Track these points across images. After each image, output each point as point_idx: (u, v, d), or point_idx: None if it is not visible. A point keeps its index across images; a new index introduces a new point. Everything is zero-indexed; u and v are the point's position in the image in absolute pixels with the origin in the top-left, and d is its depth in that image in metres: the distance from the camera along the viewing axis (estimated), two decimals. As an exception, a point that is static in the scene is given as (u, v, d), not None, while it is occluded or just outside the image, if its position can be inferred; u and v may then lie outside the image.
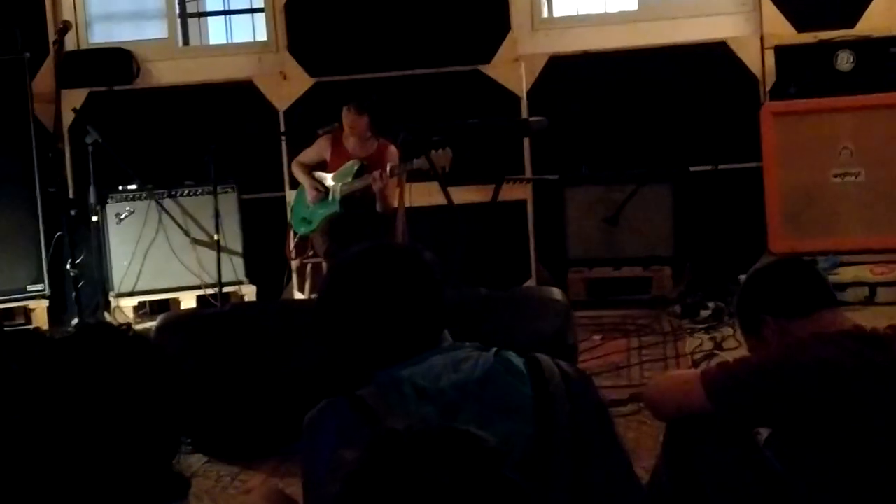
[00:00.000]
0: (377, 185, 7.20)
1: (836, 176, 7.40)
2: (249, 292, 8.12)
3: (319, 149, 7.65)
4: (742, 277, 3.66)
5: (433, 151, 6.93)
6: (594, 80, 8.22)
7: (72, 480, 1.77)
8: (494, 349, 2.32)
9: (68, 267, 7.84)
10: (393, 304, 2.29)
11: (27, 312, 7.90)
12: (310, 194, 7.58)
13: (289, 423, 3.80)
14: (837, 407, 2.85)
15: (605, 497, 2.24)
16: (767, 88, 7.86)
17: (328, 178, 7.52)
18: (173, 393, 1.89)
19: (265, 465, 4.92)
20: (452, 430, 1.45)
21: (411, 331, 2.29)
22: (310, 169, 7.67)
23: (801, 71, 7.57)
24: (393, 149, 7.43)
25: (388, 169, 7.17)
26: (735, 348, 5.93)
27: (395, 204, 7.40)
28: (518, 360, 2.29)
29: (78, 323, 7.56)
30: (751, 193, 7.66)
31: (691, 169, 7.92)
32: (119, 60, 8.63)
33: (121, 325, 1.73)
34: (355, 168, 7.42)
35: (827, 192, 7.41)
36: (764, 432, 3.25)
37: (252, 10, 10.21)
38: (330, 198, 7.51)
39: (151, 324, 5.41)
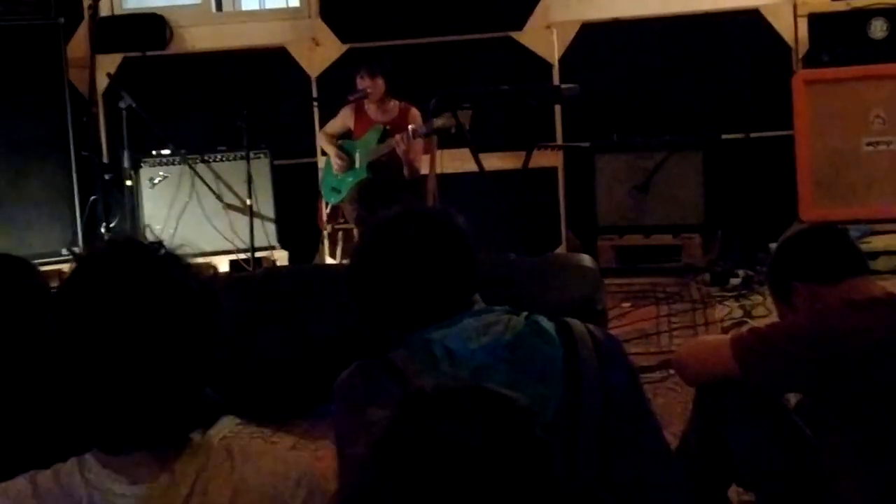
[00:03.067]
0: (400, 148, 7.22)
1: (867, 144, 7.37)
2: (281, 257, 8.16)
3: (343, 118, 7.68)
4: (772, 246, 3.67)
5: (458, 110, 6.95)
6: (626, 48, 8.19)
7: (105, 401, 1.76)
8: (525, 313, 2.33)
9: (102, 230, 7.90)
10: (425, 267, 2.30)
11: (61, 276, 7.96)
12: (335, 164, 7.61)
13: (319, 386, 3.85)
14: (867, 373, 2.86)
15: (634, 460, 2.26)
16: (800, 56, 7.81)
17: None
18: (205, 312, 1.82)
19: (297, 427, 4.97)
20: (483, 390, 1.46)
21: (443, 294, 2.31)
22: (335, 139, 7.70)
23: (834, 39, 7.52)
24: (415, 112, 7.44)
25: (410, 131, 7.18)
26: (765, 316, 5.94)
27: (423, 169, 7.42)
28: (549, 324, 2.30)
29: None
30: (782, 162, 7.63)
31: (723, 137, 7.89)
32: (152, 26, 8.66)
33: (153, 242, 1.68)
34: (378, 133, 7.44)
35: (858, 161, 7.38)
36: (793, 398, 3.27)
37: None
38: (357, 165, 7.54)
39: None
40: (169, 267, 1.81)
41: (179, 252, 1.85)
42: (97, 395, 1.75)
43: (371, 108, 7.52)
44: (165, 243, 1.86)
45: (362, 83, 7.40)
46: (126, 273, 1.78)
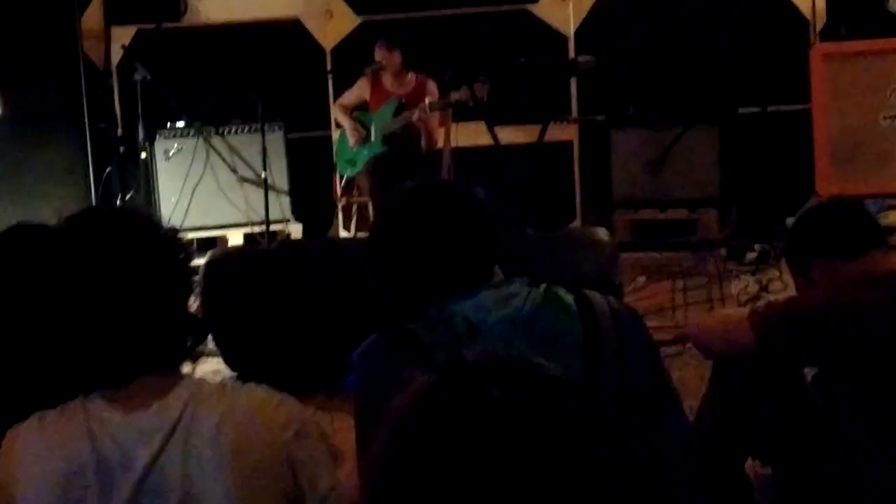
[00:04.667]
0: (417, 120, 7.21)
1: (885, 118, 7.32)
2: (296, 230, 8.17)
3: (360, 89, 7.67)
4: (789, 220, 3.66)
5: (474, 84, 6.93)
6: (642, 21, 8.16)
7: (97, 338, 1.98)
8: (544, 285, 2.33)
9: (117, 203, 7.90)
10: (444, 239, 2.30)
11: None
12: (350, 137, 7.60)
13: (335, 359, 3.84)
14: (885, 347, 2.86)
15: (652, 433, 2.26)
16: (817, 30, 7.78)
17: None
18: (166, 256, 2.05)
19: (313, 400, 4.97)
20: (519, 359, 1.47)
21: (462, 265, 2.30)
22: (351, 111, 7.69)
23: (852, 12, 7.48)
24: (432, 85, 7.42)
25: (426, 104, 7.16)
26: (781, 291, 5.93)
27: (439, 142, 7.41)
28: (568, 297, 2.30)
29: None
30: (799, 136, 7.59)
31: (739, 111, 7.86)
32: (167, -2, 8.65)
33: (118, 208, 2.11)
34: (394, 106, 7.43)
35: (876, 135, 7.33)
36: (809, 372, 3.26)
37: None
38: (372, 138, 7.53)
39: (200, 260, 5.45)
40: (128, 224, 2.06)
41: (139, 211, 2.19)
42: (85, 332, 1.98)
43: (388, 81, 7.51)
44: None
45: (379, 54, 7.38)
46: (94, 233, 2.03)
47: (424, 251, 2.30)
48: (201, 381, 2.04)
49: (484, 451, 1.33)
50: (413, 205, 2.35)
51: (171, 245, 2.08)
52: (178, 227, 2.18)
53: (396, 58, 7.39)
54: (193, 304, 2.18)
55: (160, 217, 2.22)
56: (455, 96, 7.00)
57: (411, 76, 7.50)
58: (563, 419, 1.39)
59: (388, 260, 2.36)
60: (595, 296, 2.32)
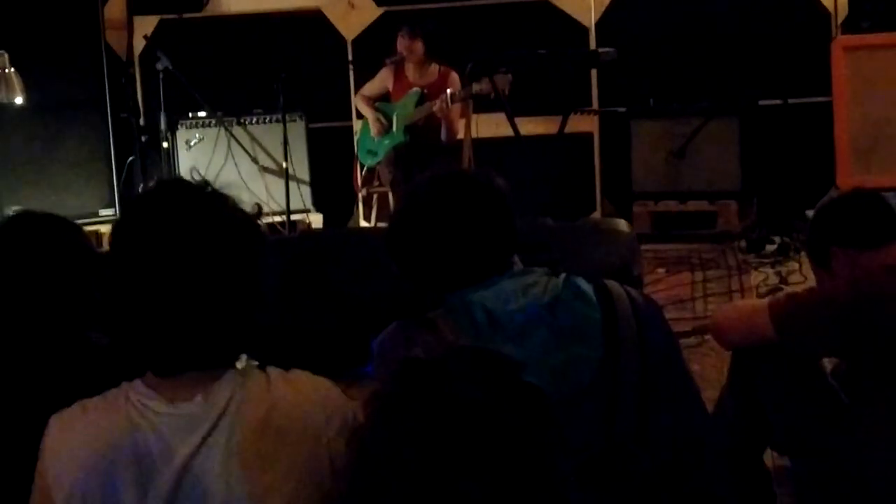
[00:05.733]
0: (438, 111, 7.21)
1: (906, 111, 7.31)
2: (316, 220, 8.19)
3: (382, 79, 7.68)
4: (809, 213, 3.66)
5: (495, 75, 6.93)
6: (663, 12, 8.14)
7: (159, 325, 1.89)
8: (564, 275, 2.33)
9: (139, 192, 7.92)
10: (464, 228, 2.31)
11: (98, 236, 8.01)
12: (373, 128, 7.61)
13: (354, 348, 3.86)
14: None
15: (671, 422, 2.26)
16: (839, 22, 7.75)
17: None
18: (248, 242, 1.96)
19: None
20: (470, 348, 1.47)
21: (482, 255, 2.31)
22: (373, 101, 7.70)
23: (873, 5, 7.45)
24: (454, 76, 7.42)
25: (448, 95, 7.17)
26: (800, 283, 5.93)
27: (460, 133, 7.41)
28: (587, 286, 2.30)
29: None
30: (819, 128, 7.58)
31: (760, 103, 7.84)
32: (189, -13, 8.68)
33: (199, 181, 1.86)
34: (416, 97, 7.43)
35: (897, 128, 7.33)
36: (828, 363, 3.27)
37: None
38: (394, 128, 7.54)
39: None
40: (215, 202, 1.95)
41: (225, 191, 1.98)
42: (152, 319, 1.88)
43: (411, 71, 7.52)
44: (211, 183, 1.99)
45: (401, 44, 7.39)
46: (177, 207, 1.92)
47: (444, 240, 2.31)
48: (246, 372, 1.97)
49: (446, 445, 1.33)
50: (433, 194, 2.35)
51: (253, 233, 1.98)
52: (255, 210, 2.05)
53: (419, 48, 7.40)
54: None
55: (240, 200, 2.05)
56: (476, 88, 6.99)
57: (434, 67, 7.51)
58: (514, 398, 1.38)
59: (407, 248, 2.37)
60: (614, 285, 2.33)
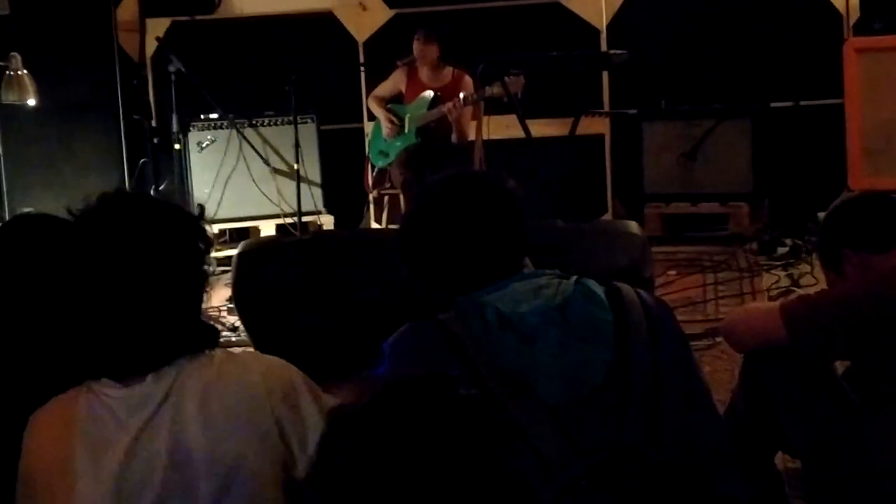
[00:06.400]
0: (451, 115, 7.22)
1: (919, 113, 7.30)
2: (328, 222, 8.19)
3: (395, 81, 7.68)
4: (821, 215, 3.65)
5: (507, 78, 6.92)
6: (675, 14, 8.14)
7: (111, 327, 2.05)
8: (575, 277, 2.33)
9: (151, 194, 7.95)
10: (476, 230, 2.31)
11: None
12: (385, 129, 7.62)
13: (366, 349, 3.86)
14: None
15: (682, 424, 2.26)
16: (851, 24, 7.74)
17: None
18: (189, 252, 2.09)
19: (342, 390, 4.99)
20: (396, 381, 1.43)
21: (493, 257, 2.31)
22: (386, 102, 7.71)
23: (886, 6, 7.44)
24: (468, 79, 7.42)
25: (461, 98, 7.17)
26: (812, 285, 5.91)
27: (471, 135, 7.41)
28: (599, 288, 2.30)
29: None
30: (831, 130, 7.57)
31: (772, 105, 7.83)
32: (201, -10, 8.69)
33: (142, 192, 2.11)
34: (429, 99, 7.44)
35: (909, 130, 7.31)
36: (840, 366, 3.26)
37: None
38: (406, 130, 7.55)
39: (232, 251, 5.49)
40: (154, 211, 2.10)
41: (167, 198, 2.10)
42: (103, 326, 2.05)
43: (424, 73, 7.52)
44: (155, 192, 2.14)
45: (416, 46, 7.40)
46: (113, 221, 2.07)
47: (455, 242, 2.31)
48: (195, 356, 2.09)
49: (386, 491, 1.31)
50: (445, 196, 2.36)
51: (197, 238, 2.11)
52: (206, 216, 2.20)
53: (433, 51, 7.40)
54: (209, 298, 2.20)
55: (188, 206, 2.14)
56: (489, 92, 7.00)
57: (448, 70, 7.51)
58: (452, 416, 1.36)
59: (419, 250, 2.38)
60: (625, 288, 2.33)
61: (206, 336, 2.13)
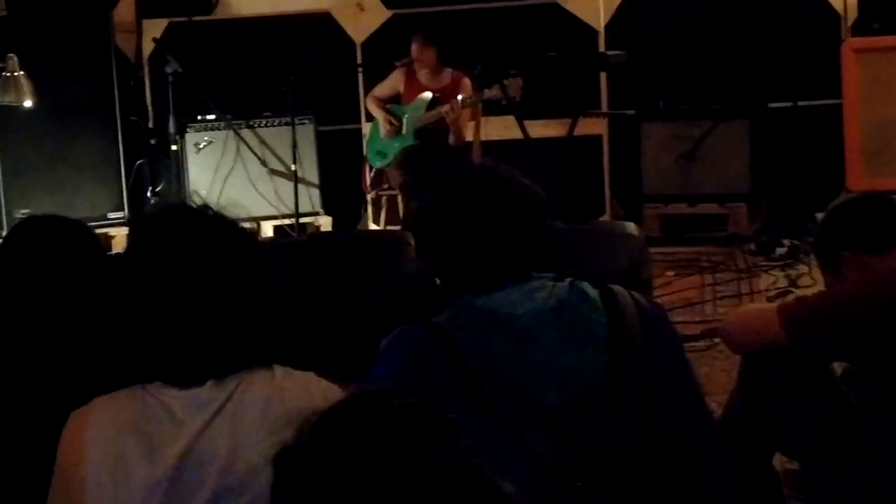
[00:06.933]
0: (449, 117, 7.21)
1: (917, 114, 7.29)
2: (325, 223, 8.19)
3: (394, 81, 7.67)
4: (819, 215, 3.65)
5: (505, 80, 6.91)
6: (673, 15, 8.13)
7: (166, 344, 2.05)
8: (570, 279, 2.32)
9: (148, 195, 7.95)
10: (494, 231, 2.28)
11: (107, 239, 8.02)
12: (383, 129, 7.61)
13: (362, 350, 3.85)
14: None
15: (676, 425, 2.25)
16: (849, 24, 7.73)
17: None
18: (254, 267, 2.12)
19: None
20: (329, 410, 1.42)
21: (506, 260, 2.28)
22: (384, 103, 7.70)
23: (884, 6, 7.44)
24: (466, 81, 7.42)
25: (459, 101, 7.17)
26: (810, 286, 5.90)
27: (468, 137, 7.41)
28: (593, 291, 2.29)
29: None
30: (830, 131, 7.57)
31: (770, 105, 7.83)
32: (198, -9, 8.69)
33: (201, 205, 2.08)
34: (428, 100, 7.43)
35: (908, 131, 7.30)
36: (838, 367, 3.25)
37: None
38: (404, 131, 7.54)
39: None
40: (217, 228, 2.10)
41: (226, 213, 2.13)
42: (165, 336, 2.05)
43: (423, 75, 7.51)
44: (212, 205, 2.15)
45: (414, 49, 7.39)
46: (180, 235, 2.08)
47: (470, 238, 2.29)
48: (254, 369, 2.12)
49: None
50: (466, 191, 2.33)
51: (252, 252, 2.14)
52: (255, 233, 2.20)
53: (431, 54, 7.39)
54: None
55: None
56: (488, 94, 7.00)
57: (447, 72, 7.50)
58: (392, 426, 1.34)
59: (433, 236, 2.36)
60: (620, 290, 2.32)
61: (263, 353, 2.15)
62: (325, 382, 2.17)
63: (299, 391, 2.10)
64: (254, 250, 2.14)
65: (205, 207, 2.13)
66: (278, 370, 2.14)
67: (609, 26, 8.15)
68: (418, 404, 1.37)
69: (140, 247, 2.11)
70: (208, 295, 2.04)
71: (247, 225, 2.18)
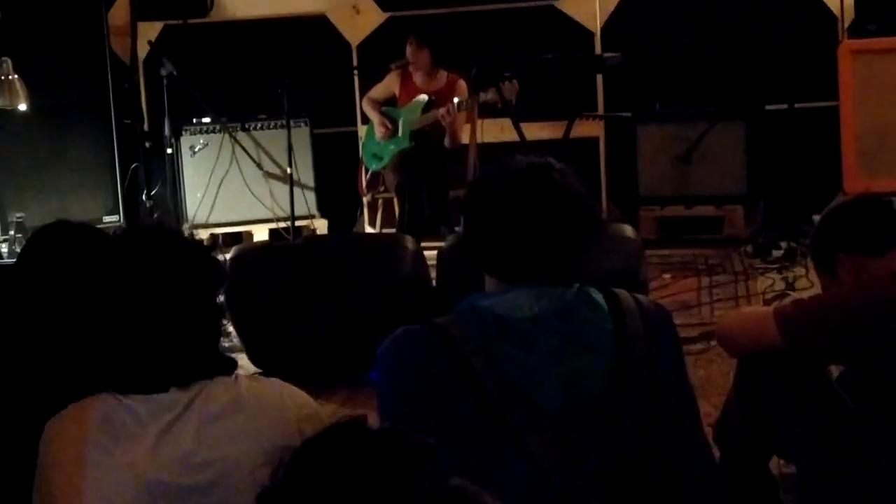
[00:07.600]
0: (445, 120, 7.20)
1: (913, 115, 7.28)
2: (321, 226, 8.18)
3: (389, 83, 7.66)
4: (816, 217, 3.64)
5: (501, 84, 6.90)
6: (669, 16, 8.13)
7: (130, 356, 2.14)
8: (577, 284, 2.30)
9: (143, 198, 7.94)
10: (540, 229, 2.28)
11: (103, 242, 8.00)
12: (378, 131, 7.60)
13: (359, 353, 3.83)
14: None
15: (670, 432, 2.25)
16: (846, 26, 7.72)
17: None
18: (210, 282, 2.20)
19: (337, 395, 4.98)
20: (306, 443, 1.41)
21: (539, 257, 2.27)
22: (380, 105, 7.69)
23: (881, 8, 7.43)
24: (462, 83, 7.41)
25: (454, 104, 7.15)
26: (807, 288, 5.89)
27: (464, 139, 7.40)
28: (599, 296, 2.28)
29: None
30: (826, 132, 7.56)
31: (766, 107, 7.81)
32: (193, -7, 8.67)
33: (161, 224, 2.20)
34: (423, 103, 7.42)
35: (904, 133, 7.29)
36: (835, 370, 3.24)
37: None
38: (399, 133, 7.53)
39: (225, 255, 5.47)
40: (171, 247, 2.19)
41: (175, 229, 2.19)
42: (123, 349, 2.14)
43: (418, 77, 7.50)
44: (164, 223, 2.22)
45: (409, 51, 7.38)
46: (137, 254, 2.16)
47: (515, 228, 2.28)
48: (217, 378, 2.17)
49: None
50: (522, 186, 2.31)
51: (211, 271, 2.22)
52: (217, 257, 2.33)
53: (425, 56, 7.38)
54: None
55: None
56: (483, 98, 6.99)
57: (442, 74, 7.49)
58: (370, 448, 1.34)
59: (478, 220, 2.34)
60: (623, 293, 2.31)
61: (225, 364, 2.20)
62: (293, 388, 2.22)
63: (267, 393, 2.16)
64: (206, 263, 2.21)
65: (171, 230, 2.27)
66: (242, 378, 2.19)
67: (605, 28, 8.14)
68: (394, 431, 1.36)
69: (108, 262, 2.19)
70: (160, 308, 2.11)
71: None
